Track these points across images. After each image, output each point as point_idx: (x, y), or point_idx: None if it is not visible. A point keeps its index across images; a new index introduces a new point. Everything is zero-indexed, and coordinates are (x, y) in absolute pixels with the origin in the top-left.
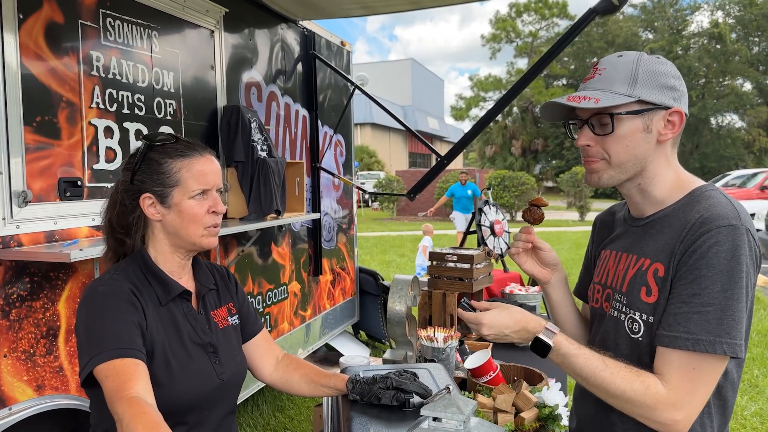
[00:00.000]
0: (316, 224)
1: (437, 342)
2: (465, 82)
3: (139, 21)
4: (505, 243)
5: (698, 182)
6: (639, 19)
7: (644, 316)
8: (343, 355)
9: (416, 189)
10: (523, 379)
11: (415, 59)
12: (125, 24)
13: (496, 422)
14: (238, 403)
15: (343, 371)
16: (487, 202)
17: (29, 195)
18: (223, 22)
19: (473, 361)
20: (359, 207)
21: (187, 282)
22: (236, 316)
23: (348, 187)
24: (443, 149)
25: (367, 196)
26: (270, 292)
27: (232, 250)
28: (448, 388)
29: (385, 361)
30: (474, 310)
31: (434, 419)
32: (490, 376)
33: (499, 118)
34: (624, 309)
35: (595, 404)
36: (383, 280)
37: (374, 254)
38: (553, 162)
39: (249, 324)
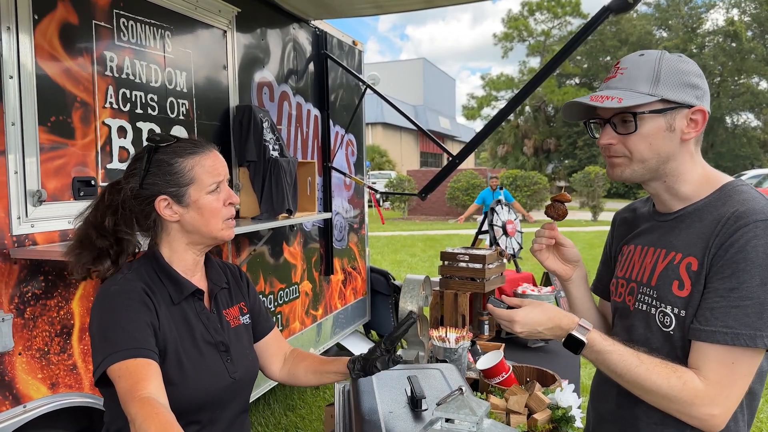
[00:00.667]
0: (328, 224)
1: (449, 342)
2: (477, 81)
3: (152, 21)
4: (518, 243)
5: (727, 178)
6: (653, 17)
7: (676, 310)
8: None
9: (428, 188)
10: (536, 380)
11: (427, 59)
12: (138, 24)
13: (508, 423)
14: (249, 401)
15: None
16: (499, 201)
17: (44, 194)
18: (236, 22)
19: (485, 361)
20: (370, 207)
21: (199, 280)
22: (247, 315)
23: (359, 186)
24: (455, 149)
25: (378, 196)
26: (281, 292)
27: (244, 250)
28: (461, 389)
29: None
30: (505, 305)
31: (447, 420)
32: (503, 377)
33: (511, 117)
34: (654, 303)
35: (617, 399)
36: (394, 279)
37: (385, 254)
38: (566, 161)
39: (261, 323)
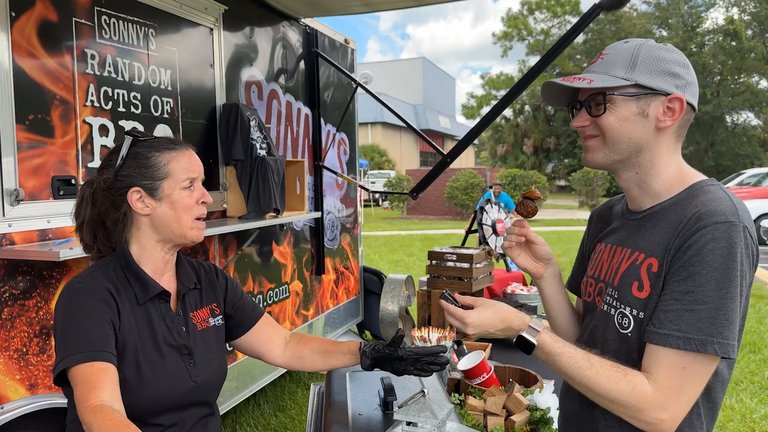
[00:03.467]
0: (319, 223)
1: (430, 343)
2: (477, 80)
3: (136, 19)
4: None
5: (699, 177)
6: (653, 15)
7: (635, 312)
8: None
9: (419, 187)
10: (519, 380)
11: (427, 58)
12: (121, 22)
13: (485, 425)
14: (239, 402)
15: (329, 373)
16: (489, 200)
17: (21, 193)
18: (223, 20)
19: (467, 362)
20: (369, 206)
21: (169, 280)
22: (220, 316)
23: (352, 185)
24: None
25: (377, 195)
26: (271, 291)
27: (231, 249)
28: (423, 391)
29: None
30: (457, 303)
31: (408, 423)
32: (484, 377)
33: (510, 116)
34: (615, 303)
35: (579, 400)
36: None
37: (383, 253)
38: (566, 161)
39: (247, 312)
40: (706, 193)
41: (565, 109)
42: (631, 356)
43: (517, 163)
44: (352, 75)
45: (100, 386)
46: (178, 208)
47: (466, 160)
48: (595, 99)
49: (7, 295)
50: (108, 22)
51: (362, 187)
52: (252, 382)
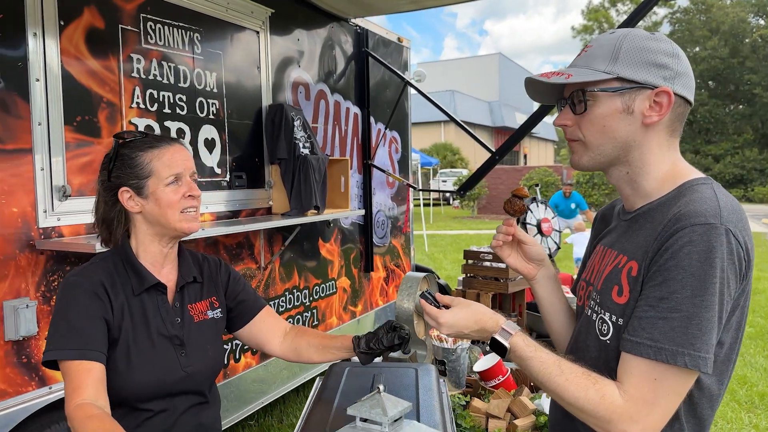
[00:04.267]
0: (368, 221)
1: (446, 343)
2: None
3: (181, 24)
4: (555, 243)
5: (694, 175)
6: (749, 3)
7: (614, 318)
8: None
9: (466, 186)
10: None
11: (503, 54)
12: (166, 27)
13: (486, 429)
14: (288, 391)
15: (330, 367)
16: (534, 199)
17: (68, 189)
18: (269, 23)
19: (482, 363)
20: (438, 205)
21: (169, 273)
22: (218, 309)
23: (403, 184)
24: (532, 145)
25: (448, 195)
26: (317, 287)
27: (276, 245)
28: (379, 389)
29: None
30: (437, 303)
31: (363, 420)
32: (499, 379)
33: None
34: (596, 308)
35: (563, 409)
36: (439, 278)
37: (448, 252)
38: None
39: (249, 304)
40: (693, 193)
41: None
42: (610, 365)
43: None
44: (406, 73)
45: (84, 386)
46: (162, 205)
47: (544, 157)
48: (577, 96)
49: (56, 283)
50: (153, 27)
51: (410, 186)
52: (302, 372)
